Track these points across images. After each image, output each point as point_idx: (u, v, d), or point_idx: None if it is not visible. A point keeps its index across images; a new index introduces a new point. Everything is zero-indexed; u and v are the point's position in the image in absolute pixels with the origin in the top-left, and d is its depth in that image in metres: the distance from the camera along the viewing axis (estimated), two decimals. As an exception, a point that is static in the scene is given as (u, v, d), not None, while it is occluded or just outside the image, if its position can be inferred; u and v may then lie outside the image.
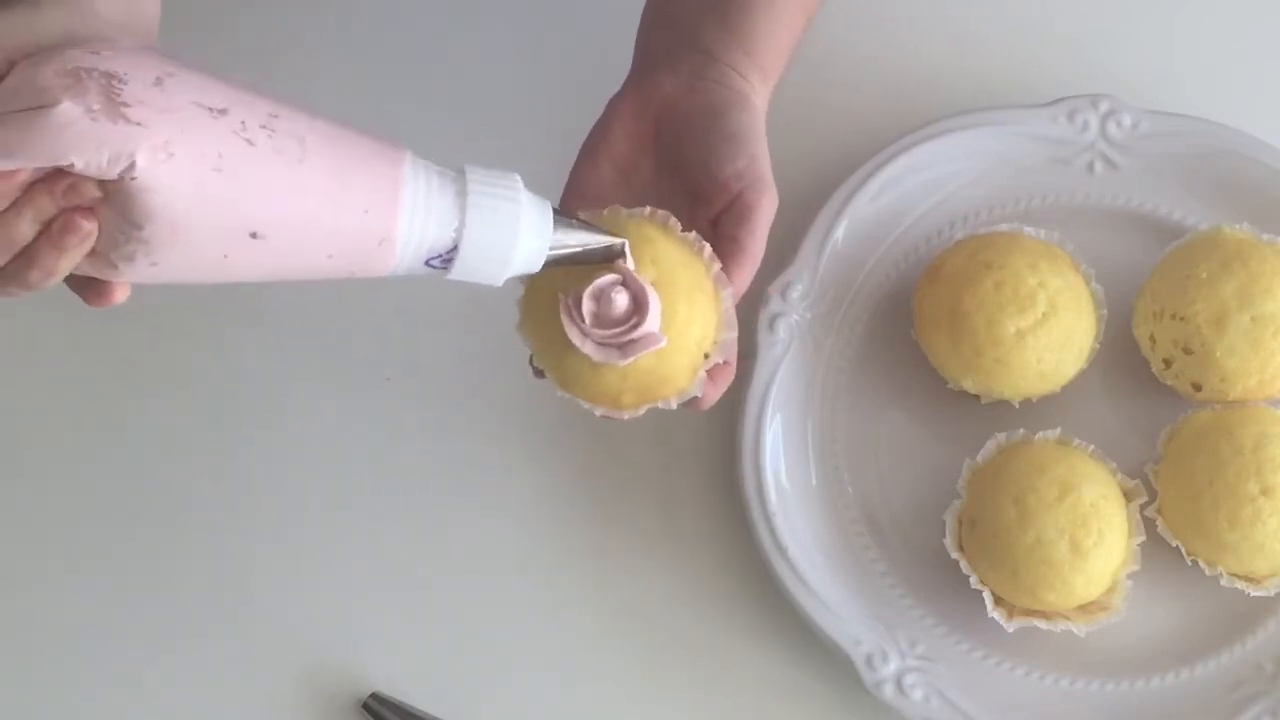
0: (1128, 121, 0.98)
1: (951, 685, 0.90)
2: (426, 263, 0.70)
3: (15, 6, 0.67)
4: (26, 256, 0.65)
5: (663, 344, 0.74)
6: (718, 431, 0.95)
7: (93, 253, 0.66)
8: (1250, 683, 0.90)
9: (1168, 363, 0.92)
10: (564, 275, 0.74)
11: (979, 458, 0.91)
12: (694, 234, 0.77)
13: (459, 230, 0.69)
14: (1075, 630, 0.89)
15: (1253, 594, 0.90)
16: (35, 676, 0.93)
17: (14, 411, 0.97)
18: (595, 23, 1.01)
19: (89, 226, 0.64)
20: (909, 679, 0.90)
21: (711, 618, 0.93)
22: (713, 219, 0.79)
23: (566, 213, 0.74)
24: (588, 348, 0.74)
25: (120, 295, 0.69)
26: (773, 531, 0.91)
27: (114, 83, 0.64)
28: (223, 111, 0.65)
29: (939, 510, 0.91)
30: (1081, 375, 0.93)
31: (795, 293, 0.95)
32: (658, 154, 0.81)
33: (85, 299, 0.69)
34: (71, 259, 0.65)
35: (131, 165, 0.63)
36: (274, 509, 0.95)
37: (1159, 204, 0.98)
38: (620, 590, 0.94)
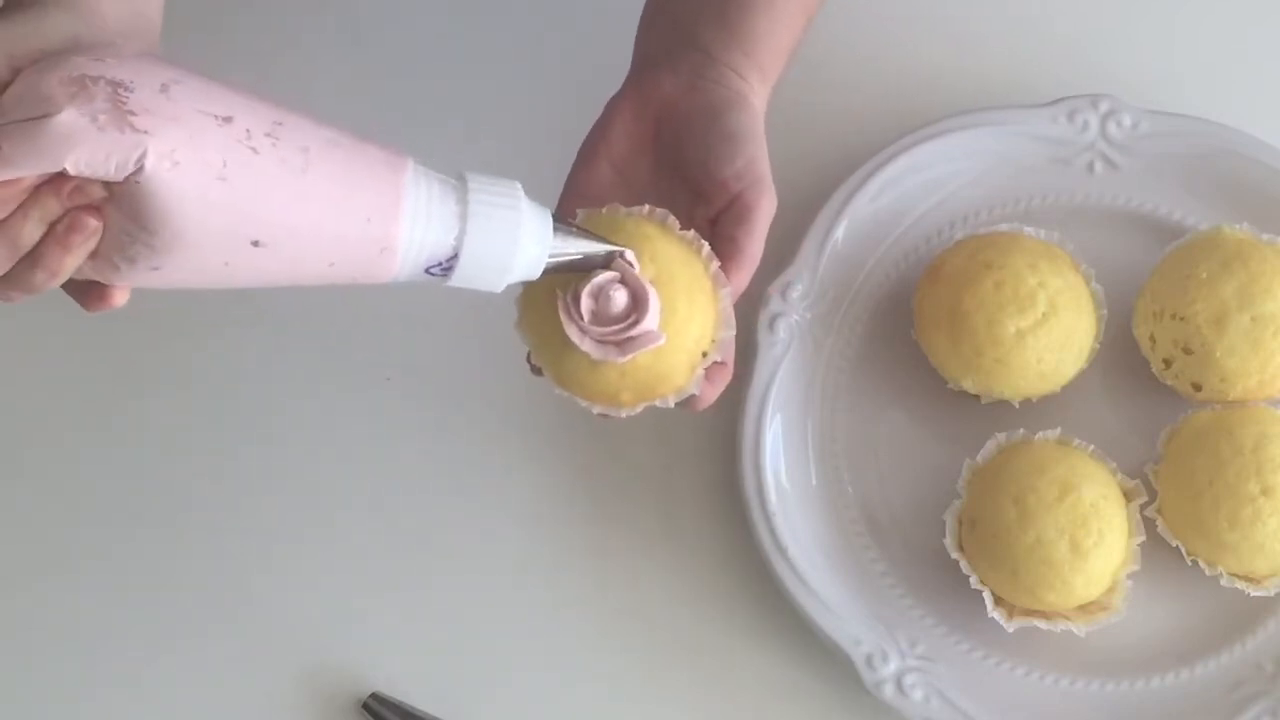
0: (1128, 121, 0.98)
1: (951, 685, 0.90)
2: (427, 270, 0.70)
3: (20, 13, 0.67)
4: (31, 257, 0.65)
5: (661, 342, 0.74)
6: (718, 431, 0.95)
7: (95, 254, 0.66)
8: (1250, 683, 0.90)
9: (1168, 363, 0.92)
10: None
11: (979, 458, 0.91)
12: (693, 232, 0.77)
13: (459, 238, 0.69)
14: (1075, 630, 0.89)
15: (1253, 594, 0.90)
16: (35, 676, 0.93)
17: (14, 411, 0.97)
18: (594, 23, 1.01)
19: (95, 224, 0.64)
20: (909, 679, 0.90)
21: (711, 618, 0.93)
22: (711, 219, 0.79)
23: (566, 219, 0.74)
24: (586, 345, 0.74)
25: (119, 299, 0.69)
26: (773, 531, 0.91)
27: (120, 91, 0.64)
28: (228, 119, 0.65)
29: (939, 510, 0.91)
30: (1081, 375, 0.93)
31: (795, 293, 0.95)
32: (657, 154, 0.81)
33: (84, 303, 0.69)
34: (76, 258, 0.65)
35: (138, 172, 0.63)
36: (274, 509, 0.95)
37: (1159, 204, 0.98)
38: (620, 590, 0.94)
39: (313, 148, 0.67)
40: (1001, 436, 0.92)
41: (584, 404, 0.77)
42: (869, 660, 0.90)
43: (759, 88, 0.83)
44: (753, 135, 0.80)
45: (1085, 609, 0.89)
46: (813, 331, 0.95)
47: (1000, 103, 0.99)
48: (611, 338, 0.74)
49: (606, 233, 0.75)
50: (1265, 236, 0.92)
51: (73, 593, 0.94)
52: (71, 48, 0.66)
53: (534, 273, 0.72)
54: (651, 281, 0.74)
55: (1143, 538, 0.89)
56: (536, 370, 0.78)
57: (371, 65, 1.02)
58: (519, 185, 0.71)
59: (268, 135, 0.66)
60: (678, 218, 0.77)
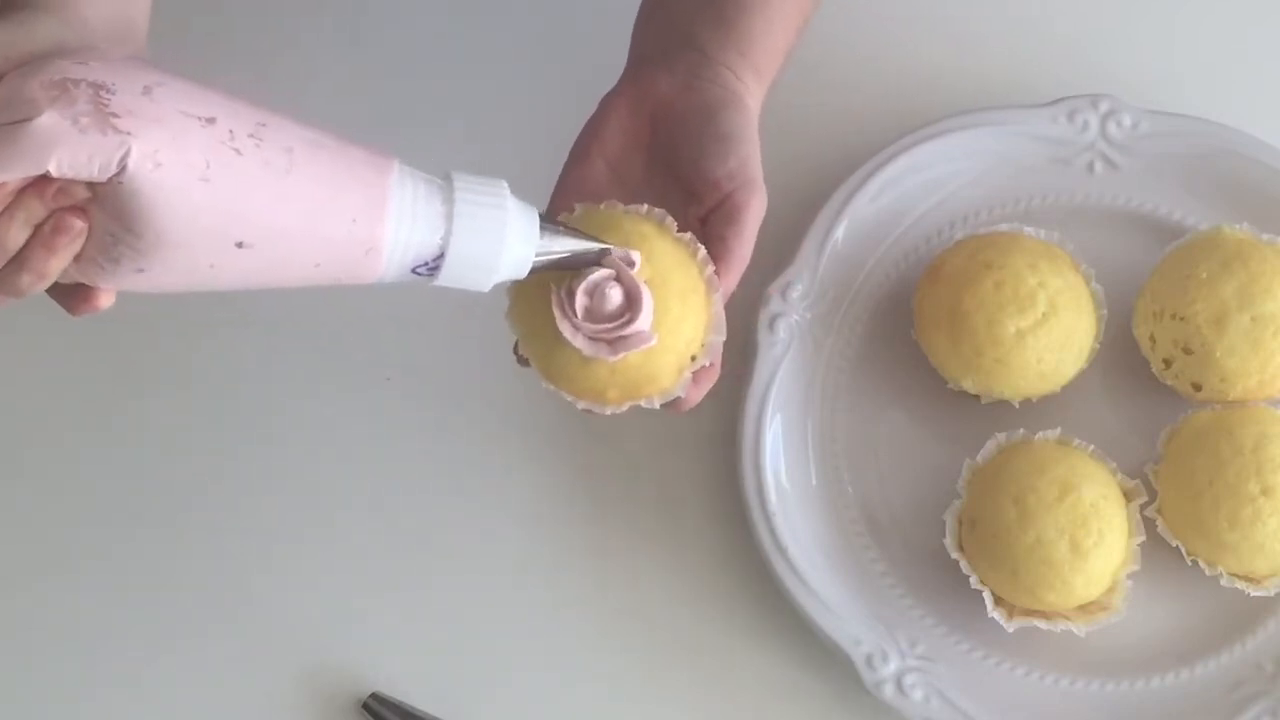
0: (1128, 121, 0.98)
1: (951, 685, 0.90)
2: (413, 270, 0.70)
3: (3, 19, 0.67)
4: (18, 260, 0.65)
5: (653, 343, 0.74)
6: (718, 431, 0.95)
7: (80, 257, 0.66)
8: (1250, 683, 0.90)
9: (1168, 363, 0.92)
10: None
11: (979, 458, 0.91)
12: (689, 234, 0.77)
13: (445, 239, 0.70)
14: (1075, 630, 0.88)
15: (1253, 594, 0.90)
16: (35, 676, 0.93)
17: (14, 411, 0.97)
18: (592, 23, 1.01)
19: (80, 225, 0.64)
20: (909, 679, 0.90)
21: (711, 618, 0.93)
22: (702, 217, 0.79)
23: (561, 215, 0.74)
24: (578, 341, 0.74)
25: (104, 302, 0.69)
26: (773, 531, 0.91)
27: (102, 93, 0.64)
28: (210, 121, 0.65)
29: (939, 510, 0.91)
30: (1081, 375, 0.93)
31: (795, 293, 0.95)
32: (650, 151, 0.81)
33: (68, 307, 0.69)
34: (62, 260, 0.65)
35: (120, 172, 0.63)
36: (274, 509, 0.95)
37: (1159, 204, 0.98)
38: (620, 590, 0.94)
39: (297, 149, 0.67)
40: (1001, 436, 0.92)
41: (569, 398, 0.77)
42: (869, 660, 0.90)
43: (754, 88, 0.83)
44: (746, 136, 0.80)
45: (1085, 609, 0.89)
46: (813, 331, 0.95)
47: (1000, 103, 0.99)
48: (604, 335, 0.74)
49: (603, 229, 0.75)
50: (1265, 236, 0.92)
51: (73, 593, 0.94)
52: (57, 52, 0.66)
53: (521, 272, 0.72)
54: (646, 282, 0.74)
55: (1143, 538, 0.89)
56: (523, 360, 0.78)
57: (369, 65, 1.02)
58: (505, 185, 0.71)
59: (251, 136, 0.66)
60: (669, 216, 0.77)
